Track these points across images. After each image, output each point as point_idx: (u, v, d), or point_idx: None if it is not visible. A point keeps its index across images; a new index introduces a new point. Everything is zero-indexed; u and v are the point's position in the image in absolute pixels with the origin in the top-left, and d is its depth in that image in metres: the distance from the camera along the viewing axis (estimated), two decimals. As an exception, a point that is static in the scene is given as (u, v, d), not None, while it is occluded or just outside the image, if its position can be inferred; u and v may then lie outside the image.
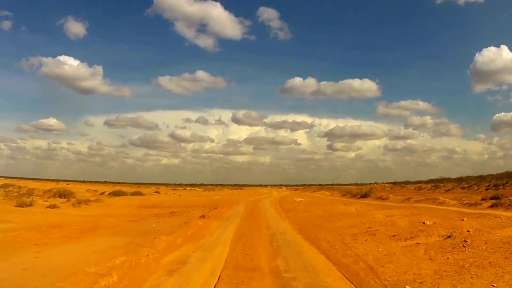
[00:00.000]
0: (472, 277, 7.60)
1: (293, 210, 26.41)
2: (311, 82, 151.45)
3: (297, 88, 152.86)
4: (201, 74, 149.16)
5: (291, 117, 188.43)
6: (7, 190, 49.09)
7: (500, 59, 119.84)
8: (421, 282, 7.59)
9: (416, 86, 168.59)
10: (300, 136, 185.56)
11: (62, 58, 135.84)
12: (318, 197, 47.01)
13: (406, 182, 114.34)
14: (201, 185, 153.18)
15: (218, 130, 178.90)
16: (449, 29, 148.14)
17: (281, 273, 8.73)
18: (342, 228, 15.99)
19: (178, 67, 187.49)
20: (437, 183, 79.82)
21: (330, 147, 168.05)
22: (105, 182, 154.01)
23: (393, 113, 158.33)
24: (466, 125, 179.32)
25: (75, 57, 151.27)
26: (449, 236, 12.00)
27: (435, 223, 15.26)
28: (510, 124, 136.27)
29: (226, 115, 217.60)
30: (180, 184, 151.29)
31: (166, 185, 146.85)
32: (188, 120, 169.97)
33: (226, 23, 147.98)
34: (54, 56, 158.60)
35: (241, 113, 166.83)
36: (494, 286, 7.11)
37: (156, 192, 69.17)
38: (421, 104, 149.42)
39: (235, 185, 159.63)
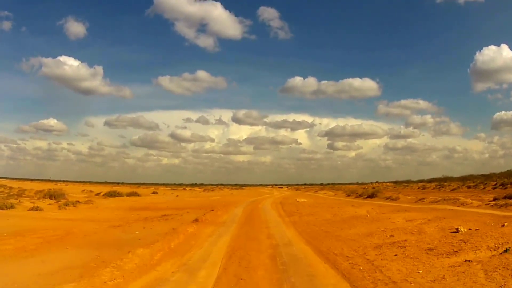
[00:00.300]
0: None
1: (297, 213, 23.44)
2: (311, 81, 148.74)
3: (298, 88, 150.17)
4: (201, 74, 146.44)
5: (292, 117, 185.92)
6: (-4, 191, 46.33)
7: (500, 58, 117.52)
8: None
9: (416, 85, 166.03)
10: (301, 135, 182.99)
11: (62, 58, 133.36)
12: (322, 198, 43.96)
13: (408, 181, 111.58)
14: (201, 185, 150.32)
15: (218, 130, 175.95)
16: (450, 28, 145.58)
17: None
18: (359, 237, 13.03)
19: (178, 67, 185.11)
20: (441, 182, 77.13)
21: (330, 146, 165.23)
22: (105, 182, 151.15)
23: (393, 112, 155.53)
24: (467, 124, 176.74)
25: (75, 58, 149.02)
26: (506, 250, 9.03)
27: (472, 230, 12.32)
28: (511, 123, 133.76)
29: (226, 115, 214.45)
30: (180, 184, 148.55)
31: (167, 185, 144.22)
32: (188, 120, 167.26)
33: (226, 23, 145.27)
34: (54, 57, 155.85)
35: (241, 113, 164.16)
36: None
37: (154, 192, 66.30)
38: (422, 103, 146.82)
39: (236, 185, 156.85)
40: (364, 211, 21.92)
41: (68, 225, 18.30)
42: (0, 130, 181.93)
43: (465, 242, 10.28)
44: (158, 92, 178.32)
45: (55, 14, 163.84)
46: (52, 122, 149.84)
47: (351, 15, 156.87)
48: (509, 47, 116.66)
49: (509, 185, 52.18)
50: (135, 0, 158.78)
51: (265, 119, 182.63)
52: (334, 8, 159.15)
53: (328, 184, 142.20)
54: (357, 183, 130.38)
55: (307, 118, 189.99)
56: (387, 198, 32.98)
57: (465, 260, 8.69)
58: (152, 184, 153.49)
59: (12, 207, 27.00)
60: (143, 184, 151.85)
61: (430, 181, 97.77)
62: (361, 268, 8.64)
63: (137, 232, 16.22)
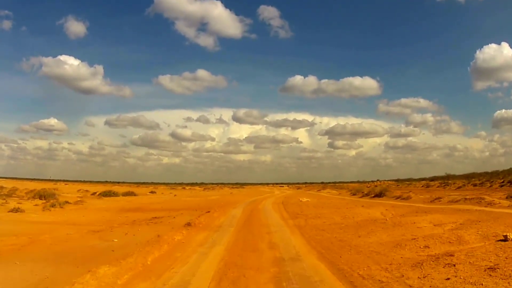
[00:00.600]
0: None
1: (302, 214, 20.66)
2: (312, 80, 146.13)
3: (298, 87, 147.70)
4: (201, 73, 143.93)
5: (292, 116, 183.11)
6: (-17, 191, 43.74)
7: (500, 56, 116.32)
8: None
9: (417, 84, 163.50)
10: (301, 134, 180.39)
11: (63, 58, 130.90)
12: (326, 197, 41.09)
13: (409, 180, 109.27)
14: (201, 184, 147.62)
15: (219, 129, 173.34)
16: (450, 26, 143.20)
17: None
18: (385, 248, 10.25)
19: (178, 66, 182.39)
20: (445, 180, 74.48)
21: (331, 145, 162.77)
22: (106, 182, 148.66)
23: (394, 110, 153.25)
24: (467, 123, 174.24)
25: (76, 57, 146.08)
26: None
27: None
28: (511, 121, 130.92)
29: (227, 114, 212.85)
30: (181, 184, 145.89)
31: (167, 184, 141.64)
32: (189, 119, 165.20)
33: (226, 22, 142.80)
34: (55, 56, 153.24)
35: (242, 112, 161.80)
36: None
37: (151, 192, 63.58)
38: (422, 102, 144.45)
39: (236, 184, 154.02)
40: (377, 212, 19.16)
41: (40, 230, 15.74)
42: (0, 130, 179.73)
43: (534, 258, 7.53)
44: (158, 92, 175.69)
45: (55, 13, 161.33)
46: (53, 121, 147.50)
47: (352, 14, 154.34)
48: (509, 45, 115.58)
49: (516, 183, 49.65)
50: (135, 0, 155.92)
51: (265, 118, 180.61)
52: (334, 7, 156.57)
53: (329, 182, 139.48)
54: (358, 182, 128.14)
55: (307, 117, 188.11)
56: (397, 198, 30.22)
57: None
58: (153, 183, 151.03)
59: (-9, 208, 24.46)
60: (144, 183, 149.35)
61: (432, 179, 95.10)
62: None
63: (115, 240, 13.55)
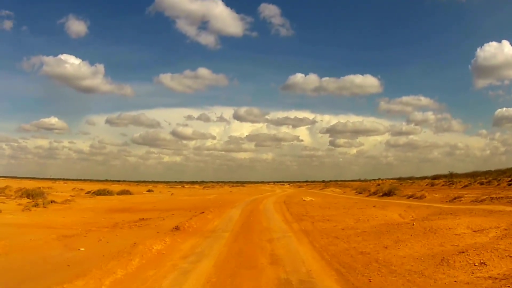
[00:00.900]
0: None
1: (307, 216, 17.95)
2: (313, 78, 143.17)
3: (299, 85, 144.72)
4: (202, 71, 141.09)
5: (293, 114, 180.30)
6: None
7: (501, 54, 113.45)
8: None
9: (418, 82, 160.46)
10: (302, 132, 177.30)
11: (64, 57, 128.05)
12: (331, 196, 38.24)
13: (412, 178, 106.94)
14: (202, 182, 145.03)
15: (220, 127, 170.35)
16: (451, 24, 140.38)
17: None
18: (425, 265, 7.55)
19: (179, 64, 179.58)
20: (450, 179, 71.92)
21: (332, 143, 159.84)
22: (106, 180, 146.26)
23: (395, 109, 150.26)
24: (468, 121, 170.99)
25: (77, 56, 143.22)
26: None
27: None
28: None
29: (227, 112, 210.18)
30: (181, 182, 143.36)
31: (168, 183, 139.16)
32: (189, 117, 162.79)
33: (227, 20, 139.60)
34: (56, 55, 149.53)
35: (242, 110, 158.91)
36: None
37: (149, 190, 60.93)
38: (423, 100, 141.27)
39: (237, 182, 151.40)
40: (395, 214, 16.44)
41: (2, 235, 13.20)
42: (1, 129, 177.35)
43: None
44: (159, 90, 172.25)
45: (56, 12, 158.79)
46: (53, 120, 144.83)
47: (353, 12, 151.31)
48: (510, 43, 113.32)
49: (527, 181, 47.16)
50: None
51: (266, 116, 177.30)
52: (335, 5, 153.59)
53: (330, 181, 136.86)
54: (360, 180, 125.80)
55: (308, 115, 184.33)
56: (410, 197, 27.48)
57: None
58: (154, 182, 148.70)
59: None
60: (145, 182, 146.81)
61: (434, 177, 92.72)
62: None
63: (82, 249, 10.99)
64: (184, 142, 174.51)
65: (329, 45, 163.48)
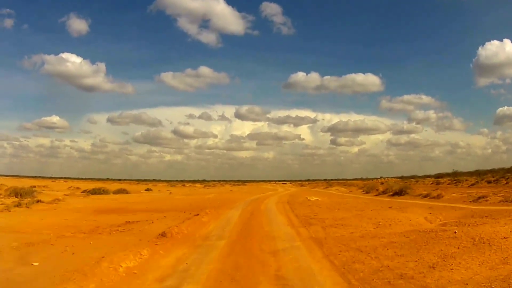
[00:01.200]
0: None
1: (316, 219, 15.39)
2: (314, 77, 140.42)
3: (300, 83, 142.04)
4: (204, 70, 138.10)
5: (294, 112, 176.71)
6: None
7: (503, 52, 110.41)
8: None
9: (419, 80, 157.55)
10: (304, 131, 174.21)
11: (65, 55, 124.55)
12: (337, 195, 35.50)
13: (414, 177, 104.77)
14: (203, 181, 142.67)
15: (221, 126, 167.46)
16: (452, 23, 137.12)
17: None
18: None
19: (181, 63, 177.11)
20: (455, 177, 69.46)
21: (333, 142, 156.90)
22: (108, 179, 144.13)
23: (396, 107, 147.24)
24: (470, 119, 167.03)
25: (78, 54, 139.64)
26: None
27: None
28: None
29: (229, 110, 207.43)
30: (183, 181, 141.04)
31: (169, 181, 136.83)
32: (191, 116, 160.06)
33: (229, 19, 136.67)
34: (57, 54, 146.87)
35: (244, 109, 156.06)
36: None
37: (147, 189, 58.46)
38: (425, 98, 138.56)
39: (239, 181, 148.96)
40: (420, 217, 13.87)
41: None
42: (2, 128, 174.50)
43: None
44: (160, 89, 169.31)
45: (57, 11, 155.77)
46: (55, 119, 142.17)
47: (354, 10, 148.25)
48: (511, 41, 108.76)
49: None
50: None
51: (267, 115, 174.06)
52: (337, 3, 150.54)
53: (332, 179, 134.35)
54: (361, 179, 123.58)
55: (309, 113, 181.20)
56: (425, 196, 24.87)
57: None
58: (155, 180, 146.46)
59: None
60: (146, 180, 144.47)
61: (438, 176, 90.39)
62: None
63: (35, 264, 8.67)
64: (186, 140, 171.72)
65: (331, 44, 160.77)
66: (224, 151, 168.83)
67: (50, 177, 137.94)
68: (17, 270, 8.03)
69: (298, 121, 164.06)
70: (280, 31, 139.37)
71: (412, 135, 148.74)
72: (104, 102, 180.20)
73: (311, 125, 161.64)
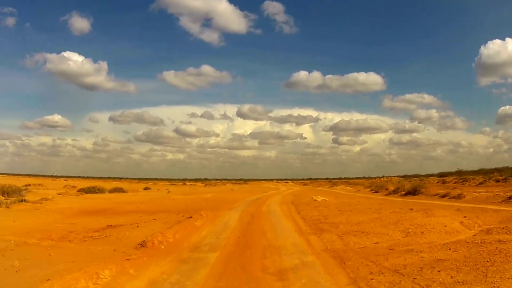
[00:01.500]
0: None
1: (328, 224, 12.92)
2: (316, 75, 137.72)
3: (302, 82, 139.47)
4: (206, 68, 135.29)
5: (296, 111, 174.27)
6: None
7: (505, 52, 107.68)
8: None
9: (421, 79, 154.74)
10: (306, 130, 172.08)
11: (67, 54, 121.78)
12: (345, 195, 32.75)
13: (417, 175, 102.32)
14: (205, 180, 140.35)
15: (223, 125, 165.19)
16: (454, 22, 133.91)
17: None
18: None
19: (183, 62, 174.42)
20: (462, 176, 66.94)
21: (335, 141, 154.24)
22: (109, 178, 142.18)
23: (398, 106, 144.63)
24: (472, 119, 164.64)
25: (80, 53, 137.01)
26: None
27: None
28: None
29: (231, 109, 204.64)
30: (184, 179, 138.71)
31: (170, 180, 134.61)
32: (193, 115, 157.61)
33: (231, 17, 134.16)
34: (59, 52, 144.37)
35: (246, 108, 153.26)
36: None
37: (146, 188, 56.11)
38: (427, 98, 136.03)
39: (240, 179, 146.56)
40: (454, 222, 11.36)
41: None
42: (4, 127, 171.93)
43: None
44: (162, 87, 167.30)
45: (59, 9, 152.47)
46: (57, 118, 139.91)
47: (356, 9, 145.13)
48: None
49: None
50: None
51: (269, 114, 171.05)
52: (339, 2, 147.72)
53: (334, 178, 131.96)
54: (364, 178, 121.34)
55: (311, 112, 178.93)
56: (443, 196, 22.35)
57: None
58: (157, 179, 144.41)
59: None
60: (148, 179, 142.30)
61: (441, 175, 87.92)
62: None
63: None
64: (188, 139, 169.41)
65: (333, 43, 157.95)
66: (226, 150, 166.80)
67: (52, 176, 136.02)
68: None
69: (300, 120, 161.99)
70: (282, 30, 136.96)
71: (414, 134, 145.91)
72: (106, 100, 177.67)
73: (313, 124, 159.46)
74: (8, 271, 7.42)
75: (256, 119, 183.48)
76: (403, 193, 27.63)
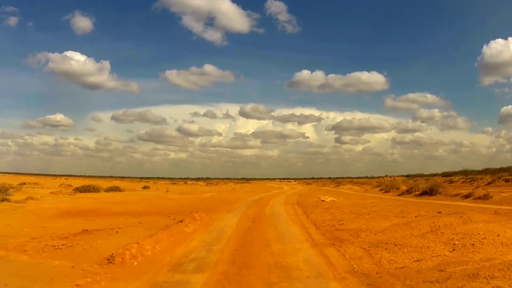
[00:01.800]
0: None
1: (346, 231, 10.46)
2: (319, 75, 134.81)
3: (305, 81, 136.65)
4: (208, 68, 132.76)
5: (299, 111, 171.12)
6: None
7: (507, 51, 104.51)
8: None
9: (424, 79, 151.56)
10: (308, 129, 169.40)
11: (69, 53, 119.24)
12: (355, 195, 30.02)
13: (421, 175, 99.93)
14: (207, 179, 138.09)
15: (225, 124, 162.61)
16: (457, 21, 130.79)
17: None
18: None
19: (185, 61, 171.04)
20: (470, 175, 64.44)
21: (338, 140, 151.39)
22: (111, 177, 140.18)
23: (401, 106, 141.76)
24: (474, 118, 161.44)
25: (82, 53, 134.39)
26: None
27: None
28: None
29: (233, 109, 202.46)
30: (186, 179, 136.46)
31: (172, 179, 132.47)
32: (195, 114, 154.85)
33: (234, 17, 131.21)
34: (61, 52, 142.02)
35: (248, 107, 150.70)
36: None
37: (144, 187, 53.85)
38: (429, 97, 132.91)
39: (243, 178, 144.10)
40: (505, 229, 8.89)
41: None
42: (7, 126, 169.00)
43: None
44: (165, 87, 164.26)
45: (62, 9, 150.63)
46: (59, 117, 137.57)
47: (359, 8, 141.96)
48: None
49: None
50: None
51: (272, 113, 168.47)
52: (342, 2, 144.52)
53: (336, 178, 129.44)
54: (366, 177, 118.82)
55: (314, 112, 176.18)
56: (467, 197, 19.82)
57: None
58: (158, 178, 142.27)
59: None
60: (150, 178, 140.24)
61: (445, 174, 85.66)
62: None
63: None
64: (190, 138, 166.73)
65: (336, 42, 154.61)
66: (229, 149, 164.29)
67: (53, 175, 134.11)
68: None
69: (302, 120, 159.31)
70: (285, 29, 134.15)
71: (417, 134, 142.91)
72: (108, 100, 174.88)
73: (315, 123, 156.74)
74: None
75: (259, 119, 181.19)
76: (417, 193, 25.11)
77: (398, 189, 30.01)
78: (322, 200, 22.17)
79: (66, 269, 7.25)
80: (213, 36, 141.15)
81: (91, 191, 37.92)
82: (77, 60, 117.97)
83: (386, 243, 8.42)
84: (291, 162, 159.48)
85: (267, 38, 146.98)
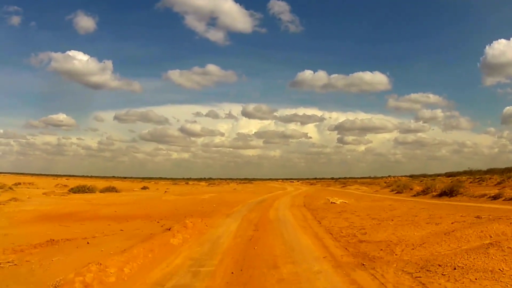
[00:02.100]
0: None
1: (375, 245, 8.10)
2: (321, 75, 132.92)
3: (307, 81, 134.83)
4: (211, 67, 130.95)
5: (301, 111, 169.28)
6: None
7: (510, 51, 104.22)
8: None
9: (426, 79, 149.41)
10: (310, 129, 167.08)
11: (72, 53, 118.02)
12: (367, 196, 27.27)
13: (424, 175, 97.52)
14: (209, 179, 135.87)
15: (228, 124, 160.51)
16: (460, 21, 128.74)
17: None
18: None
19: (188, 61, 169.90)
20: (476, 176, 61.96)
21: (340, 140, 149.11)
22: (114, 177, 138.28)
23: (403, 106, 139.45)
24: (477, 118, 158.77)
25: (85, 52, 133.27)
26: None
27: None
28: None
29: (236, 109, 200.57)
30: (189, 179, 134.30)
31: (174, 179, 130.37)
32: (198, 114, 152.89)
33: (236, 16, 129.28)
34: (64, 51, 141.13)
35: (251, 107, 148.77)
36: None
37: (143, 188, 51.64)
38: (432, 97, 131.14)
39: (245, 179, 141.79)
40: None
41: None
42: (9, 126, 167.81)
43: None
44: (167, 86, 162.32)
45: (64, 8, 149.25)
46: (62, 117, 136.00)
47: (361, 8, 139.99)
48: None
49: None
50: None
51: (274, 113, 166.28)
52: (344, 2, 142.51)
53: (339, 178, 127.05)
54: (369, 177, 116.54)
55: (316, 112, 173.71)
56: (495, 198, 17.41)
57: None
58: (161, 178, 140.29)
59: None
60: (152, 178, 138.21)
61: (449, 174, 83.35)
62: None
63: None
64: (193, 138, 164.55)
65: (338, 42, 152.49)
66: (231, 149, 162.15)
67: (55, 175, 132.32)
68: None
69: (305, 120, 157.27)
70: (288, 29, 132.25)
71: (419, 134, 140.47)
72: (111, 99, 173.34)
73: (318, 123, 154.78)
74: None
75: (261, 119, 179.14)
76: (435, 194, 22.69)
77: (411, 189, 27.56)
78: (331, 202, 19.78)
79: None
80: (216, 36, 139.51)
81: (86, 192, 35.70)
82: (79, 59, 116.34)
83: (438, 265, 6.05)
84: (293, 162, 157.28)
85: (270, 38, 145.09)
